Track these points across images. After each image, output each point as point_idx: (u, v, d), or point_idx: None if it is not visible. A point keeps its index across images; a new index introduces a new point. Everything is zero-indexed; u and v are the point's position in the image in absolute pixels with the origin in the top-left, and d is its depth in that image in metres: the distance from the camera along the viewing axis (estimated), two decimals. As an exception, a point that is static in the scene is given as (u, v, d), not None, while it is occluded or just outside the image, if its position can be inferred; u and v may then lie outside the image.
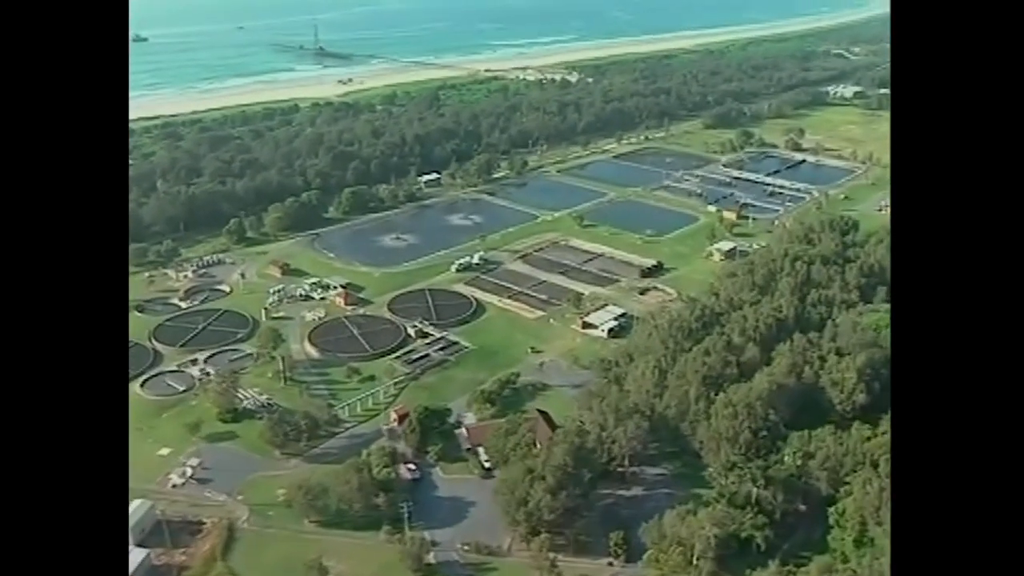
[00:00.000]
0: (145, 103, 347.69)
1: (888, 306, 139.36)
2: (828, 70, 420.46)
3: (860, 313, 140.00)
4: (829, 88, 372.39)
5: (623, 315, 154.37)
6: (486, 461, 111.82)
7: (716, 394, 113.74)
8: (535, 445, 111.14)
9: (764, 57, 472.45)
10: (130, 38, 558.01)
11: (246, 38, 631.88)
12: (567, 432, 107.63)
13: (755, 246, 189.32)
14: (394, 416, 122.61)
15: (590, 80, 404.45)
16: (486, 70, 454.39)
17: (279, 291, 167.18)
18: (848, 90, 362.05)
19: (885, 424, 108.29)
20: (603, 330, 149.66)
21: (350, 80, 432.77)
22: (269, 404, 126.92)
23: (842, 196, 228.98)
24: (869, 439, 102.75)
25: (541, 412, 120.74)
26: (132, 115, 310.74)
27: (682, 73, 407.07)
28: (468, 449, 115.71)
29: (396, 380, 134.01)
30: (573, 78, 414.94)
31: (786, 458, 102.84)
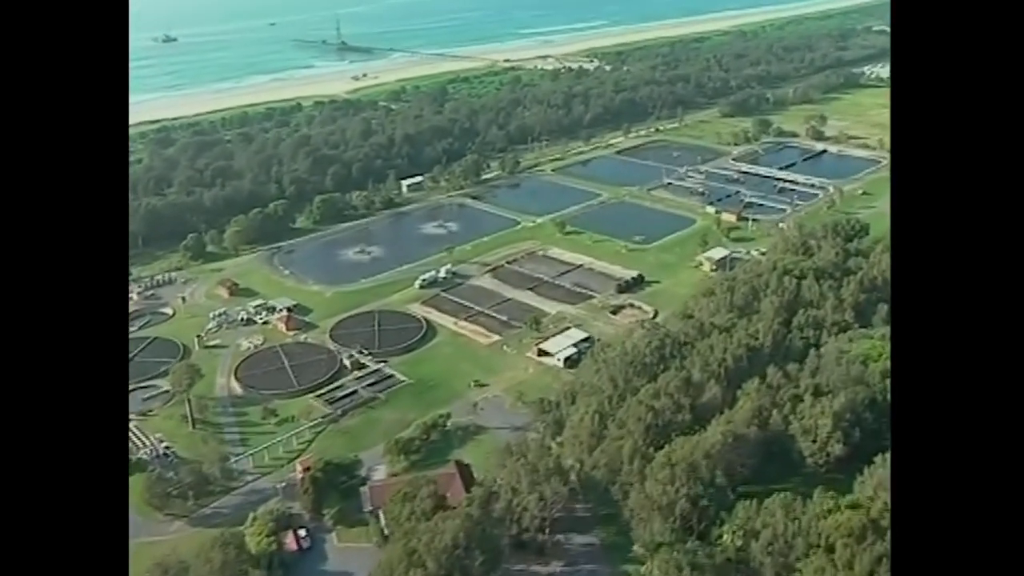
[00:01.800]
0: (155, 106, 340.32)
1: (884, 331, 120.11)
2: (866, 48, 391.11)
3: (850, 339, 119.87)
4: (864, 68, 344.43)
5: (585, 340, 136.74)
6: (386, 527, 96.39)
7: (658, 449, 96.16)
8: (444, 508, 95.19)
9: (799, 37, 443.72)
10: (159, 39, 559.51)
11: (277, 34, 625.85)
12: (471, 498, 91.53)
13: (753, 253, 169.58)
14: (300, 469, 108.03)
15: (608, 68, 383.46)
16: (505, 60, 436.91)
17: (220, 315, 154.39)
18: (884, 70, 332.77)
19: (858, 487, 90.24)
20: (559, 359, 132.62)
21: (364, 75, 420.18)
22: (166, 453, 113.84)
23: (859, 191, 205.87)
24: (829, 513, 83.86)
25: (459, 464, 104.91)
26: (136, 119, 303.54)
27: (705, 58, 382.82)
28: (370, 511, 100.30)
29: (313, 423, 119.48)
30: (591, 66, 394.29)
31: (725, 536, 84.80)
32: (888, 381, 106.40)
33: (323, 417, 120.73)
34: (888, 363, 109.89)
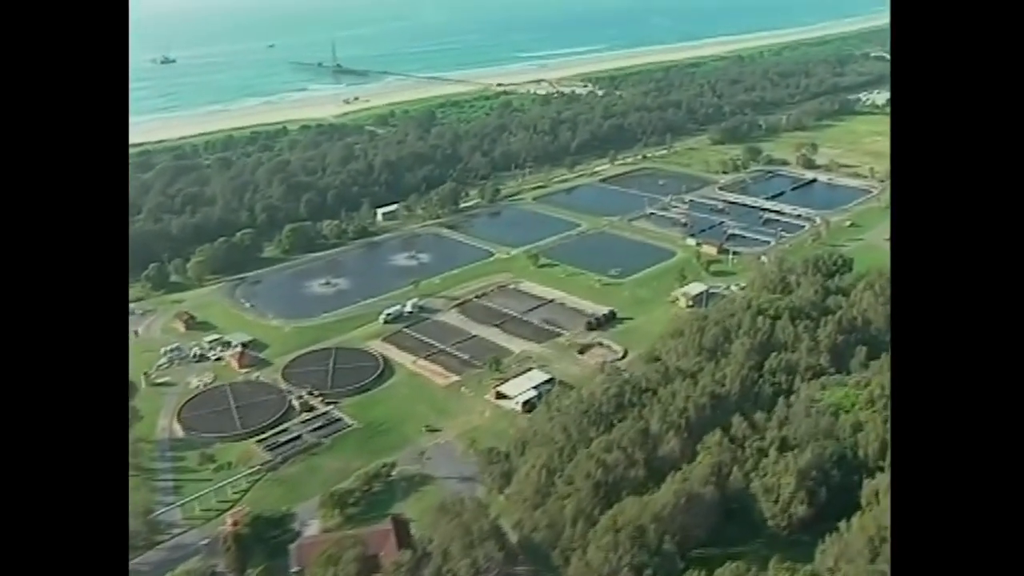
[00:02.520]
0: (143, 129, 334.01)
1: (859, 378, 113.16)
2: (864, 75, 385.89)
3: (823, 387, 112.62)
4: (860, 95, 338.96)
5: (547, 382, 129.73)
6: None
7: (604, 510, 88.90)
8: (372, 571, 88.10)
9: (796, 63, 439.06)
10: (158, 60, 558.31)
11: (276, 56, 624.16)
12: (398, 563, 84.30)
13: (732, 288, 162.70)
14: (230, 522, 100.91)
15: (600, 93, 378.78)
16: (498, 84, 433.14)
17: (172, 350, 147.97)
18: (880, 96, 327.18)
19: (819, 556, 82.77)
20: (517, 402, 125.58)
21: (356, 99, 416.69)
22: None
23: (847, 223, 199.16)
24: (784, 587, 76.62)
25: (396, 520, 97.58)
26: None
27: (699, 83, 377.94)
28: (297, 572, 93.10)
29: (250, 471, 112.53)
30: (584, 91, 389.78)
31: (669, 612, 77.55)
32: (859, 435, 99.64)
33: (262, 464, 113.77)
34: (860, 415, 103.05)
